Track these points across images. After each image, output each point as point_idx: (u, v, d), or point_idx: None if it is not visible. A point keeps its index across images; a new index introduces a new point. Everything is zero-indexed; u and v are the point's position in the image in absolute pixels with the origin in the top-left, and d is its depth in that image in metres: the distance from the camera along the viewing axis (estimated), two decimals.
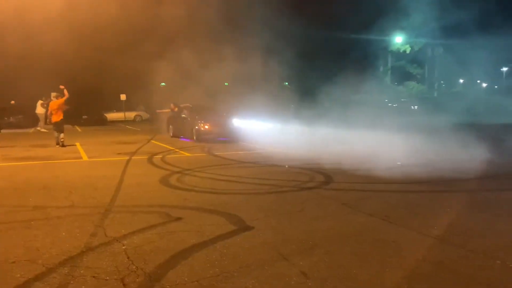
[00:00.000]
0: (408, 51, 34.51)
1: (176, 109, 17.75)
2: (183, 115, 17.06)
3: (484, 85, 58.26)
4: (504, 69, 53.90)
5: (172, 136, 17.81)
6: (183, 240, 4.65)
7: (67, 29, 15.63)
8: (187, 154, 12.67)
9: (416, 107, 31.64)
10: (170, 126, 18.23)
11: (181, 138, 17.10)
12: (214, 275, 3.74)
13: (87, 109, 29.55)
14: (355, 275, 3.82)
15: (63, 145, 14.17)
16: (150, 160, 11.07)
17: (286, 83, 32.74)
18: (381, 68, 36.74)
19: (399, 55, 35.57)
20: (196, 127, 15.75)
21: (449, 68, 37.35)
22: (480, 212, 6.06)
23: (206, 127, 15.69)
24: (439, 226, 5.31)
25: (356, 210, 6.12)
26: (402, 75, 36.83)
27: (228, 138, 15.92)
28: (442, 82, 44.85)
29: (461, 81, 53.44)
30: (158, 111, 22.07)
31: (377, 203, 6.56)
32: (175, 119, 17.84)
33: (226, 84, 21.80)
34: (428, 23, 32.86)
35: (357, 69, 30.41)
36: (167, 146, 14.44)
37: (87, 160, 11.43)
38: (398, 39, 34.72)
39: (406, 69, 35.71)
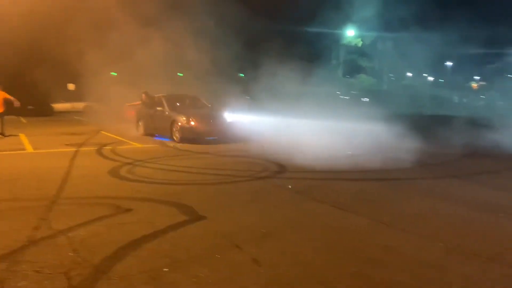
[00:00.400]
0: (359, 45, 35.42)
1: (149, 101, 14.45)
2: (159, 108, 13.72)
3: (431, 79, 61.07)
4: (449, 63, 56.72)
5: (143, 135, 14.48)
6: (132, 231, 4.52)
7: (7, 17, 14.78)
8: (138, 145, 12.36)
9: (366, 99, 32.58)
10: (140, 122, 14.86)
11: (156, 137, 14.03)
12: (164, 266, 3.67)
13: (33, 99, 28.05)
14: (307, 260, 3.88)
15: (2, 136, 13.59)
16: (99, 152, 10.69)
17: (242, 75, 32.66)
18: (334, 61, 37.46)
19: (350, 48, 36.41)
20: (179, 124, 12.50)
21: (398, 61, 38.70)
22: (423, 198, 6.32)
23: (193, 123, 12.46)
24: (387, 212, 5.50)
25: (308, 198, 6.21)
26: (354, 68, 37.80)
27: (219, 137, 12.94)
28: (391, 75, 46.42)
29: (410, 74, 55.68)
30: (128, 104, 17.94)
31: (328, 191, 6.69)
32: (147, 113, 14.43)
33: (180, 74, 21.45)
34: (378, 17, 33.83)
35: (311, 62, 30.88)
36: (118, 137, 14.01)
37: (32, 152, 10.88)
38: (350, 33, 35.52)
39: (357, 62, 36.67)
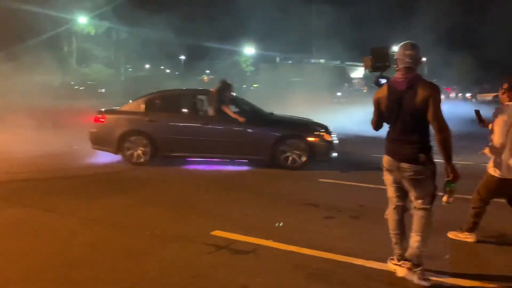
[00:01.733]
0: (92, 33, 33.97)
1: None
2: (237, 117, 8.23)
3: (168, 71, 64.30)
4: (182, 57, 60.90)
5: (147, 161, 8.32)
6: None
7: None
8: None
9: (103, 90, 31.68)
10: (136, 140, 8.33)
11: (197, 164, 8.48)
12: None
13: None
14: (1, 274, 3.48)
15: None
16: None
17: None
18: (66, 49, 34.82)
19: (84, 36, 34.58)
20: (310, 140, 8.19)
21: (135, 53, 39.15)
22: (135, 189, 6.58)
23: (330, 138, 8.41)
24: (99, 208, 5.46)
25: (14, 203, 5.60)
26: (88, 57, 36.06)
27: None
28: (128, 66, 46.53)
29: (147, 66, 57.09)
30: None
31: (38, 193, 6.19)
32: (167, 122, 8.48)
33: None
34: (112, 7, 33.23)
35: (40, 47, 27.81)
36: None
37: None
38: (82, 20, 33.62)
39: (92, 51, 35.12)
